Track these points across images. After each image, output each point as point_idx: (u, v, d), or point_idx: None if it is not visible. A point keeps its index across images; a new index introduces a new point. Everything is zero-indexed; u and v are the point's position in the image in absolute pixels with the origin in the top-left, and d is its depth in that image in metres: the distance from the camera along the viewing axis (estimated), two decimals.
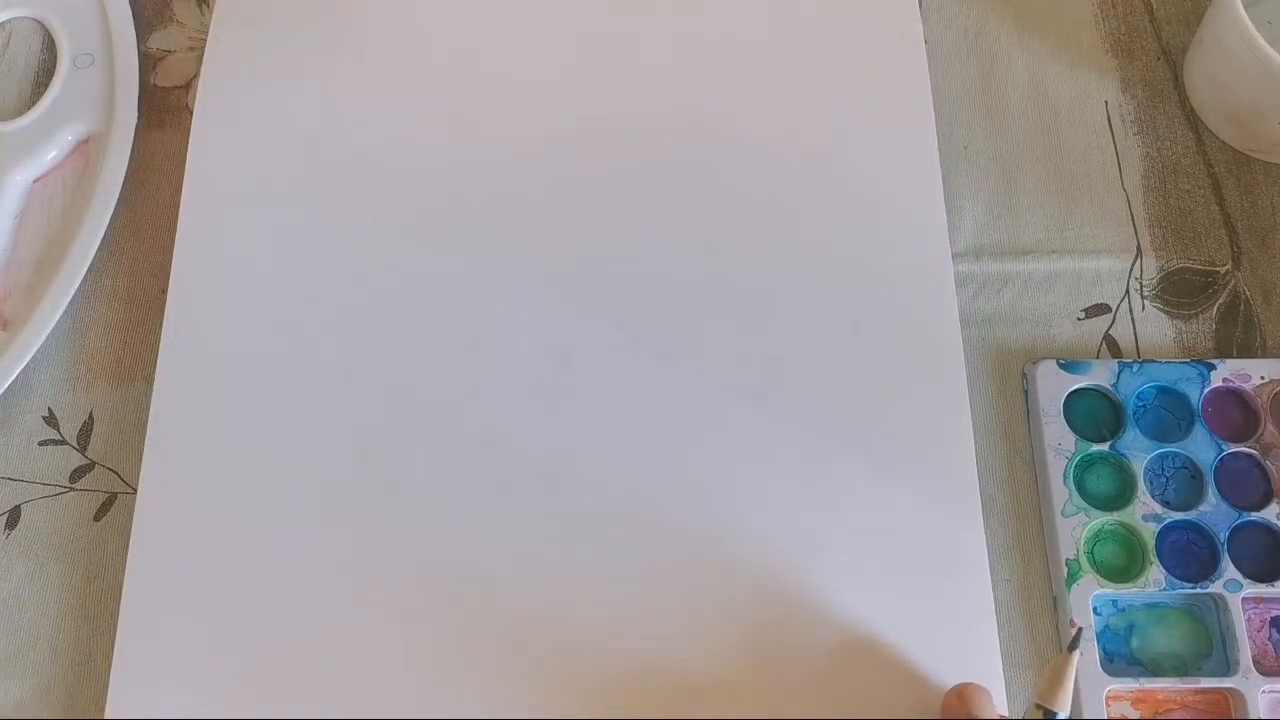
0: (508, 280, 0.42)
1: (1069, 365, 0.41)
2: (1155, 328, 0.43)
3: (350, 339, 0.42)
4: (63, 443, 0.41)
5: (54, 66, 0.47)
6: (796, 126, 0.45)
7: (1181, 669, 0.38)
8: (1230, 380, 0.41)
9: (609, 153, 0.44)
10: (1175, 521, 0.39)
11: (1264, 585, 0.38)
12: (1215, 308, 0.43)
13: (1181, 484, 0.40)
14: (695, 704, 0.37)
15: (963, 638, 0.37)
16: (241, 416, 0.40)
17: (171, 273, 0.42)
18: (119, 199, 0.44)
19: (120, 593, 0.39)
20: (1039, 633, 0.38)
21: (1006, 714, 0.36)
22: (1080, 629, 0.35)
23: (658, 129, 0.45)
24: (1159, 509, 0.39)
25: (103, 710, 0.37)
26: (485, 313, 0.42)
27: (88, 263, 0.43)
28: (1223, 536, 0.39)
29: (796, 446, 0.40)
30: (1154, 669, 0.38)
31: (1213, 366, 0.41)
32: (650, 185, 0.44)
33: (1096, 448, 0.40)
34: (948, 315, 0.42)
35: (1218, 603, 0.38)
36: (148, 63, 0.47)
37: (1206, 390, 0.41)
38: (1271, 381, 0.41)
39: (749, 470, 0.40)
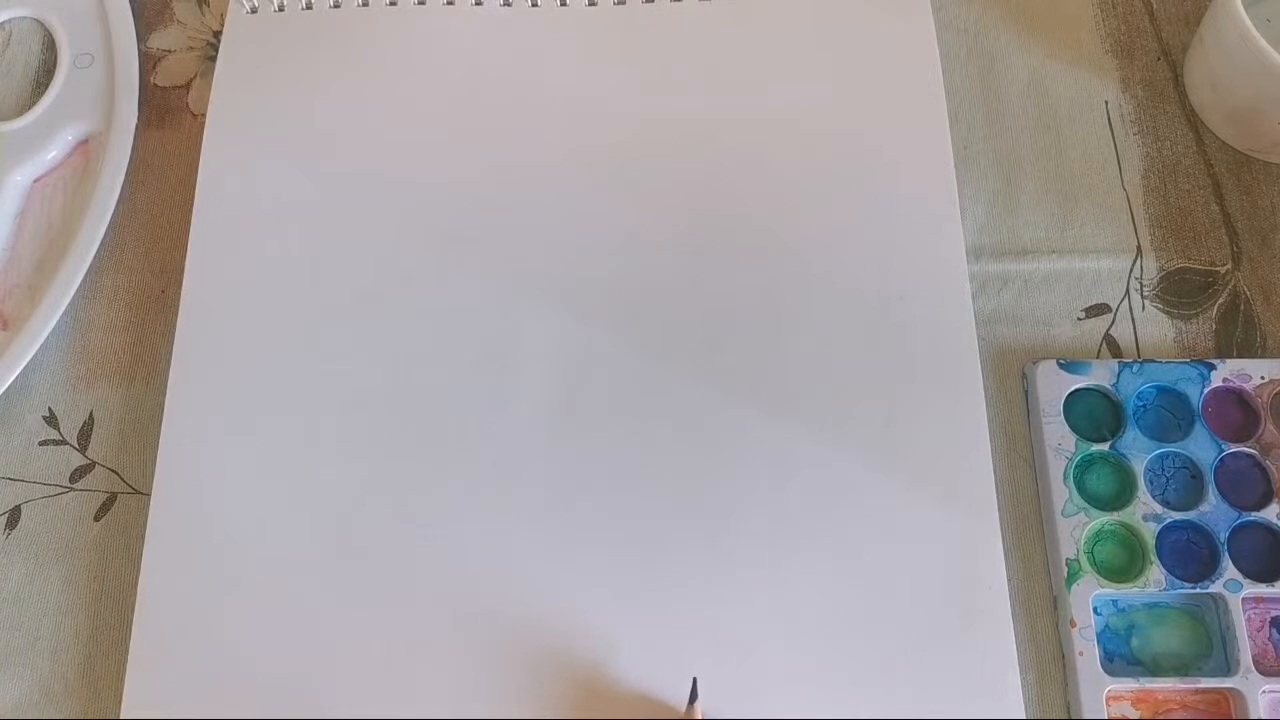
0: (522, 297, 0.42)
1: (1069, 365, 0.41)
2: (1155, 328, 0.43)
3: (364, 351, 0.41)
4: (63, 443, 0.41)
5: (54, 66, 0.47)
6: (808, 135, 0.45)
7: (1181, 669, 0.38)
8: (1230, 380, 0.41)
9: (619, 168, 0.44)
10: (1175, 521, 0.39)
11: (1264, 585, 0.38)
12: (1215, 308, 0.43)
13: (1181, 484, 0.40)
14: (709, 706, 0.37)
15: (979, 646, 0.37)
16: (254, 423, 0.40)
17: (184, 281, 0.42)
18: (119, 199, 0.44)
19: (120, 592, 0.39)
20: (1039, 632, 0.38)
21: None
22: (695, 679, 0.35)
23: (671, 143, 0.45)
24: (1159, 509, 0.39)
25: (102, 709, 0.38)
26: (501, 327, 0.42)
27: (88, 263, 0.43)
28: (1223, 536, 0.39)
29: (814, 458, 0.40)
30: (1154, 669, 0.38)
31: (1213, 366, 0.41)
32: (663, 201, 0.44)
33: (1096, 448, 0.40)
34: (964, 323, 0.41)
35: (1218, 603, 0.38)
36: (148, 63, 0.48)
37: (1206, 390, 0.41)
38: (1271, 381, 0.41)
39: (766, 484, 0.39)
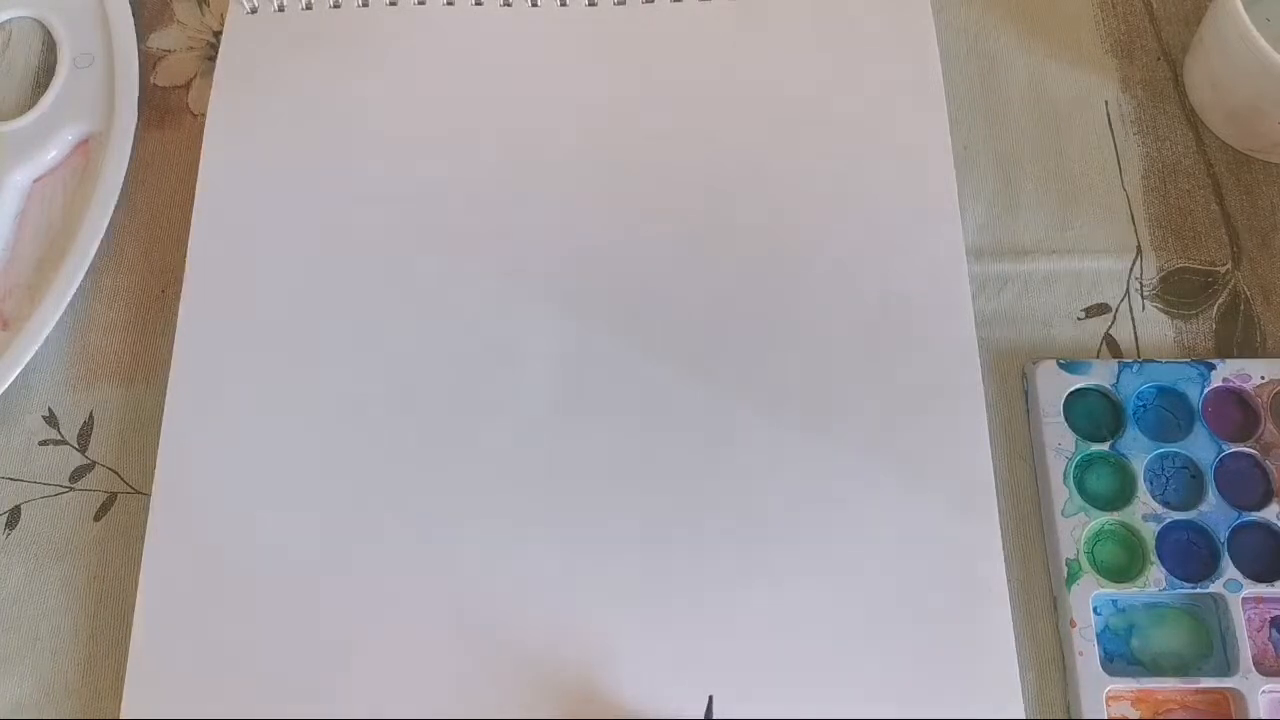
0: (522, 297, 0.42)
1: (1069, 365, 0.41)
2: (1155, 328, 0.43)
3: (364, 351, 0.41)
4: (63, 443, 0.41)
5: (54, 66, 0.47)
6: (809, 134, 0.45)
7: (1181, 669, 0.38)
8: (1230, 380, 0.41)
9: (619, 167, 0.44)
10: (1175, 521, 0.39)
11: (1264, 585, 0.38)
12: (1215, 308, 0.43)
13: (1181, 484, 0.40)
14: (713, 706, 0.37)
15: (979, 646, 0.37)
16: (254, 423, 0.40)
17: (184, 281, 0.42)
18: (119, 199, 0.44)
19: (120, 592, 0.39)
20: (1039, 632, 0.38)
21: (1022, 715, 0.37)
22: (711, 696, 0.35)
23: (671, 143, 0.45)
24: (1159, 509, 0.39)
25: (102, 709, 0.38)
26: (501, 327, 0.42)
27: (88, 263, 0.43)
28: (1223, 536, 0.39)
29: (814, 458, 0.40)
30: (1154, 669, 0.38)
31: (1213, 366, 0.41)
32: (663, 201, 0.44)
33: (1096, 448, 0.40)
34: (964, 323, 0.41)
35: (1218, 603, 0.38)
36: (148, 63, 0.47)
37: (1206, 390, 0.41)
38: (1271, 381, 0.41)
39: (766, 484, 0.39)
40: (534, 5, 0.47)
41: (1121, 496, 0.40)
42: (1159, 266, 0.44)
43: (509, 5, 0.47)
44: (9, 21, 0.48)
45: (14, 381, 0.41)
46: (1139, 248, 0.44)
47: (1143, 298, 0.43)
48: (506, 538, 0.39)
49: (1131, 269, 0.44)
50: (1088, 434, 0.40)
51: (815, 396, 0.41)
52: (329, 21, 0.47)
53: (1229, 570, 0.38)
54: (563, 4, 0.47)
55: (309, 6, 0.47)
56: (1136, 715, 0.37)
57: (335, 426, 0.40)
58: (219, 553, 0.39)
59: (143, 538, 0.39)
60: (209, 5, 0.49)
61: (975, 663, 0.37)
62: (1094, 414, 0.41)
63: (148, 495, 0.39)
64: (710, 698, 0.35)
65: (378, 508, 0.39)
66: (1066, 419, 0.40)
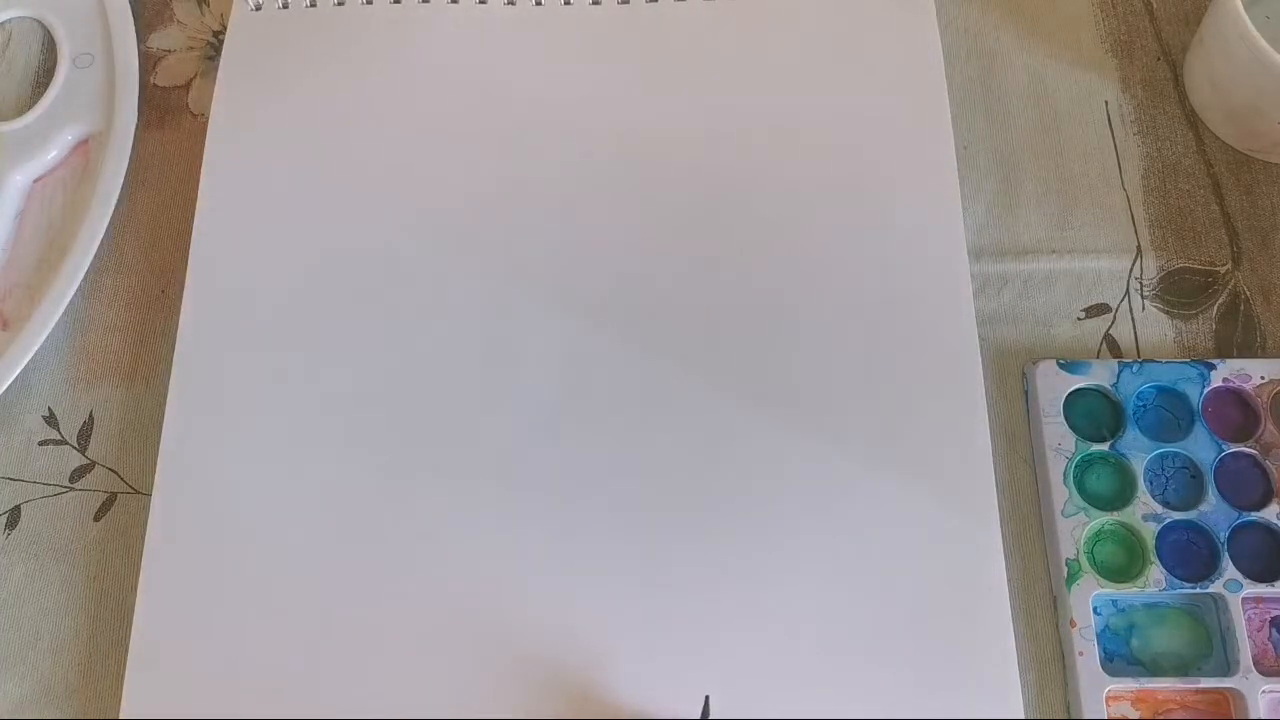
0: (524, 298, 0.42)
1: (1069, 365, 0.41)
2: (1155, 328, 0.43)
3: (365, 351, 0.41)
4: (63, 443, 0.41)
5: (54, 66, 0.47)
6: (811, 134, 0.45)
7: (1181, 669, 0.38)
8: (1230, 380, 0.41)
9: (623, 164, 0.44)
10: (1175, 521, 0.39)
11: (1264, 585, 0.38)
12: (1215, 308, 0.43)
13: (1181, 484, 0.40)
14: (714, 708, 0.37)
15: (979, 646, 0.37)
16: (254, 423, 0.40)
17: (186, 280, 0.42)
18: (119, 199, 0.44)
19: (120, 592, 0.39)
20: (1039, 632, 0.38)
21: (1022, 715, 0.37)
22: (708, 697, 0.35)
23: (673, 141, 0.45)
24: (1159, 509, 0.39)
25: (102, 709, 0.38)
26: (502, 328, 0.42)
27: (88, 263, 0.43)
28: (1223, 536, 0.39)
29: (814, 458, 0.40)
30: (1154, 669, 0.38)
31: (1213, 366, 0.41)
32: (666, 199, 0.44)
33: (1096, 448, 0.40)
34: (964, 323, 0.41)
35: (1218, 603, 0.38)
36: (148, 63, 0.47)
37: (1206, 390, 0.41)
38: (1271, 381, 0.41)
39: (767, 484, 0.39)
40: (537, 4, 0.47)
41: (1121, 496, 0.40)
42: (1159, 266, 0.44)
43: (512, 4, 0.47)
44: (9, 21, 0.48)
45: (14, 381, 0.41)
46: (1139, 248, 0.44)
47: (1143, 298, 0.43)
48: (507, 537, 0.39)
49: (1131, 269, 0.44)
50: (1088, 434, 0.40)
51: (816, 396, 0.41)
52: (332, 19, 0.47)
53: (1229, 570, 0.38)
54: (566, 3, 0.47)
55: (313, 4, 0.47)
56: (1136, 715, 0.37)
57: (336, 426, 0.40)
58: (219, 553, 0.39)
59: (143, 538, 0.39)
60: (209, 5, 0.49)
61: (975, 663, 0.37)
62: (1094, 414, 0.41)
63: (148, 495, 0.39)
64: (707, 698, 0.35)
65: (378, 507, 0.39)
66: (1066, 419, 0.40)
